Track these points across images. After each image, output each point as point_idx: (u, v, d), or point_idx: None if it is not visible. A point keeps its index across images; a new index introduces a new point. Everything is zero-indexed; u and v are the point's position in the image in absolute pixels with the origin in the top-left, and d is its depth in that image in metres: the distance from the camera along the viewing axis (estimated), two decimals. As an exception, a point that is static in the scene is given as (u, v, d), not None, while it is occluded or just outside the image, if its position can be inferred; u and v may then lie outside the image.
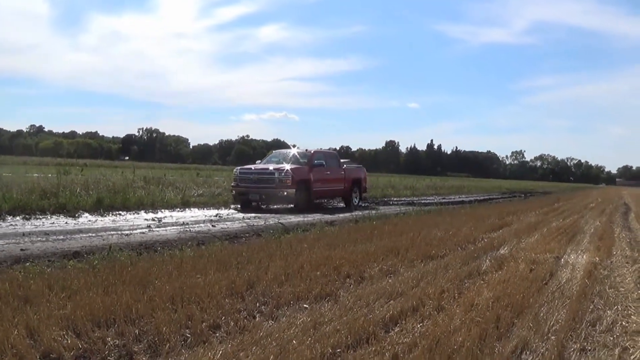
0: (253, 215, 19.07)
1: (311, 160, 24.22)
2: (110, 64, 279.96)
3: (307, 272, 8.18)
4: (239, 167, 24.14)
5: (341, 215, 20.29)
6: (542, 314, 6.46)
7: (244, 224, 15.71)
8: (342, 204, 27.03)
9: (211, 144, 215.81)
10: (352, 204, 26.34)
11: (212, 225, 15.18)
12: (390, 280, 8.10)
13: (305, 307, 6.55)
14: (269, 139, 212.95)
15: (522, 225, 17.18)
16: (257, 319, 6.04)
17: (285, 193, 21.89)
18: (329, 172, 24.99)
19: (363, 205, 27.46)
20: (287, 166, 22.75)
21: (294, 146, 27.33)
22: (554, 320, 6.20)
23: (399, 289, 7.45)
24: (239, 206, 22.61)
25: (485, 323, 5.85)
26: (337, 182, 25.69)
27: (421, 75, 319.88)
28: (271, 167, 22.98)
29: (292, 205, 22.34)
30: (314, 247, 10.53)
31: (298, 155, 24.95)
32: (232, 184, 23.54)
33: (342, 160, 27.34)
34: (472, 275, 8.71)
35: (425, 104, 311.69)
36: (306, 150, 25.72)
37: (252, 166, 23.94)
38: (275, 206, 23.07)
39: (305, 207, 22.33)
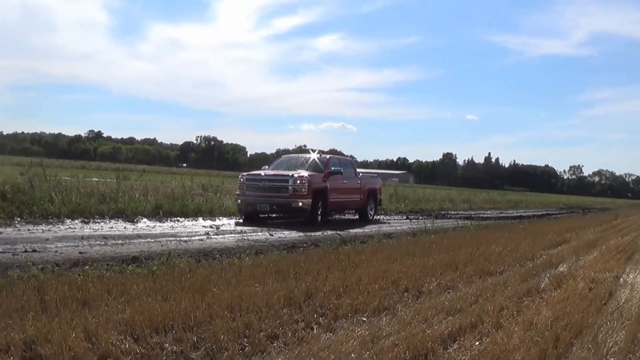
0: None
1: (327, 167, 21.47)
2: (168, 72, 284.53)
3: (365, 284, 8.17)
4: (245, 173, 21.66)
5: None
6: (601, 335, 6.34)
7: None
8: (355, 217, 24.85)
9: (268, 153, 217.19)
10: (367, 217, 23.96)
11: (270, 234, 15.26)
12: (448, 296, 8.08)
13: (363, 320, 6.54)
14: (326, 149, 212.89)
15: (580, 243, 16.94)
16: (315, 330, 6.06)
17: (300, 204, 19.25)
18: (345, 182, 22.40)
19: (377, 218, 25.25)
20: (303, 173, 20.09)
21: (313, 151, 24.23)
22: (612, 341, 6.10)
23: (458, 305, 7.41)
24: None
25: (544, 343, 5.76)
26: (353, 192, 23.16)
27: (479, 86, 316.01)
28: (284, 173, 20.30)
29: (302, 219, 19.93)
30: (372, 259, 10.53)
31: (311, 161, 22.12)
32: (237, 193, 20.69)
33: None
34: (530, 293, 8.62)
35: (482, 115, 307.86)
36: (321, 154, 23.09)
37: (262, 172, 21.11)
38: (278, 219, 21.18)
39: (320, 220, 20.26)
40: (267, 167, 22.58)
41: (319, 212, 20.22)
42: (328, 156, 23.04)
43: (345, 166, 22.88)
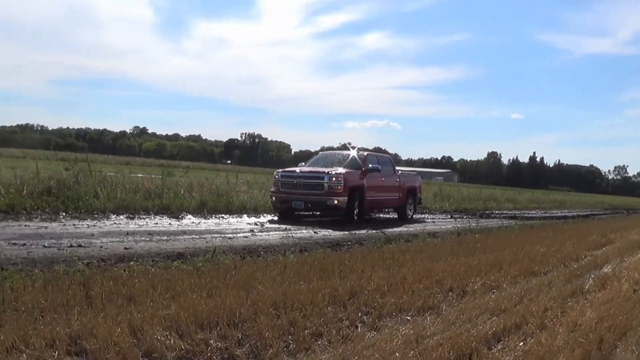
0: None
1: (365, 164, 20.97)
2: (212, 69, 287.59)
3: (410, 283, 8.17)
4: (280, 170, 20.89)
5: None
6: (644, 337, 6.27)
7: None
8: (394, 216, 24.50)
9: (312, 150, 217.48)
10: (406, 216, 23.50)
11: (314, 232, 15.26)
12: (493, 296, 8.06)
13: (408, 320, 6.54)
14: (371, 147, 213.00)
15: (625, 244, 16.80)
16: (359, 329, 6.06)
17: (336, 202, 18.72)
18: (383, 179, 21.77)
19: (417, 217, 24.75)
20: (339, 170, 19.68)
21: (352, 147, 23.73)
22: (656, 344, 6.01)
23: (502, 305, 7.38)
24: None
25: (588, 344, 5.72)
26: (391, 190, 22.60)
27: (525, 85, 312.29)
28: (320, 170, 19.90)
29: (338, 217, 19.51)
30: (417, 258, 10.52)
31: (349, 158, 21.49)
32: (272, 190, 20.39)
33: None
34: (575, 294, 8.57)
35: (528, 114, 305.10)
36: (358, 151, 22.49)
37: (297, 169, 20.70)
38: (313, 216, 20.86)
39: (356, 219, 19.59)
40: (303, 163, 22.32)
41: (356, 211, 19.67)
42: (366, 153, 22.45)
43: (383, 164, 22.22)
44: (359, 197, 19.74)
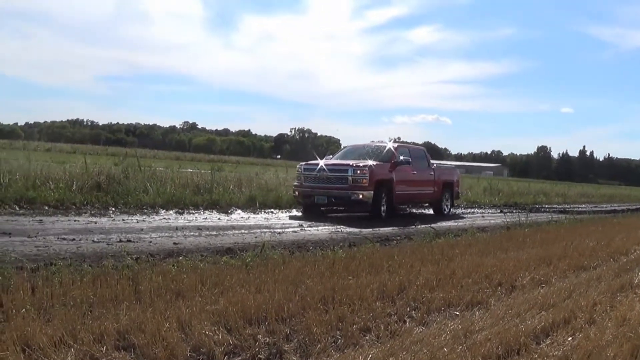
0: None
1: (394, 157, 19.94)
2: (262, 64, 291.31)
3: (459, 278, 8.16)
4: (303, 163, 20.01)
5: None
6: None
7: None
8: (429, 211, 23.82)
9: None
10: (442, 211, 22.67)
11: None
12: (542, 291, 8.01)
13: (456, 315, 6.54)
14: (420, 142, 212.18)
15: (675, 237, 16.40)
16: (408, 324, 6.06)
17: (360, 196, 17.83)
18: (415, 172, 20.86)
19: (454, 212, 23.95)
20: (364, 162, 18.69)
21: (391, 140, 22.87)
22: None
23: (551, 300, 7.33)
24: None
25: (637, 339, 5.63)
26: (425, 184, 21.66)
27: (574, 78, 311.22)
28: (344, 163, 19.19)
29: (367, 213, 18.78)
30: (466, 253, 10.49)
31: (377, 150, 20.62)
32: (295, 184, 19.60)
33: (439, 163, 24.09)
34: (624, 289, 8.47)
35: (578, 108, 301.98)
36: (387, 144, 21.41)
37: (321, 162, 19.38)
38: (342, 212, 20.19)
39: (386, 214, 18.94)
40: (331, 156, 21.64)
41: (384, 207, 18.86)
42: (396, 145, 21.31)
43: (416, 156, 21.37)
44: (387, 192, 18.97)
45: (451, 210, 23.69)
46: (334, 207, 19.85)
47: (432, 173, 22.12)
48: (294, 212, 18.76)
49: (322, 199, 18.28)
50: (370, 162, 18.74)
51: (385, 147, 20.90)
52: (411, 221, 17.87)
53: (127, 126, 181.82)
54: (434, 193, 22.13)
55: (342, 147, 25.97)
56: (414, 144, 27.95)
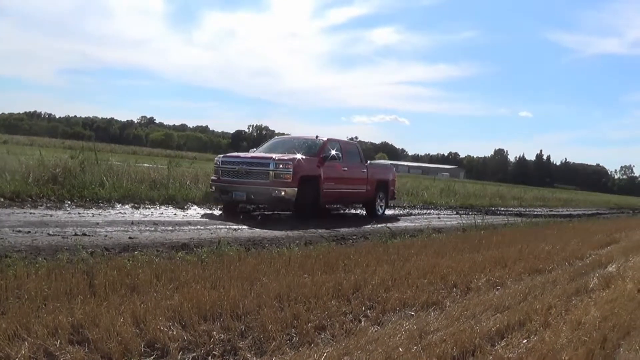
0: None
1: (323, 151, 18.11)
2: (222, 60, 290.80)
3: (414, 279, 8.21)
4: (222, 155, 18.16)
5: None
6: (648, 337, 6.31)
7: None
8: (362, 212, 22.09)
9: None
10: (376, 212, 20.69)
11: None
12: (497, 293, 8.14)
13: (411, 315, 6.59)
14: (378, 142, 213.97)
15: (630, 243, 16.90)
16: (363, 323, 6.11)
17: (283, 193, 15.98)
18: (346, 169, 18.95)
19: (388, 215, 21.78)
20: (288, 156, 16.92)
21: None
22: (659, 343, 6.04)
23: (506, 302, 7.44)
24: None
25: (592, 343, 5.77)
26: (357, 183, 19.71)
27: (532, 83, 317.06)
28: (265, 156, 17.23)
29: (289, 212, 17.59)
30: (421, 254, 10.54)
31: (305, 144, 18.71)
32: (213, 178, 17.55)
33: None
34: (579, 293, 8.63)
35: (536, 112, 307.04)
36: (317, 137, 19.20)
37: (241, 154, 18.20)
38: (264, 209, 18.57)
39: (312, 214, 17.01)
40: (254, 149, 20.06)
41: (310, 204, 17.05)
42: (325, 138, 19.06)
43: (348, 152, 19.70)
44: (313, 189, 17.08)
45: (386, 211, 21.87)
46: (257, 205, 18.30)
47: (365, 170, 20.25)
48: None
49: (241, 195, 16.40)
50: (296, 156, 16.98)
51: (314, 140, 19.07)
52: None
53: (85, 120, 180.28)
54: (367, 192, 20.27)
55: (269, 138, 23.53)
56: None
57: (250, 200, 16.76)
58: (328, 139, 18.97)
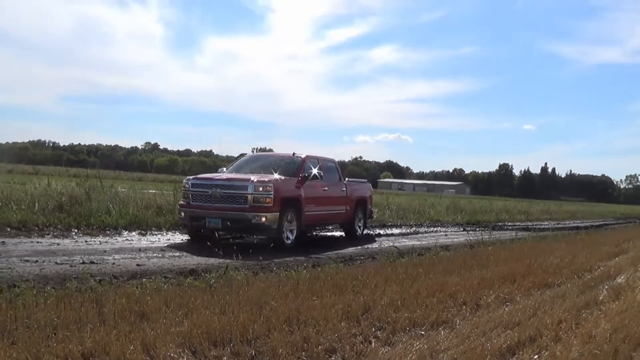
0: None
1: (302, 170, 16.36)
2: (224, 84, 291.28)
3: (423, 298, 8.18)
4: (191, 177, 15.82)
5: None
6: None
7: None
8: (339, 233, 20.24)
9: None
10: (355, 233, 19.06)
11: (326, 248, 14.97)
12: (507, 309, 8.07)
13: (422, 334, 6.54)
14: (382, 161, 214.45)
15: (638, 253, 16.79)
16: (373, 344, 6.05)
17: (263, 219, 14.10)
18: (326, 189, 17.36)
19: (366, 234, 20.22)
20: (269, 177, 15.11)
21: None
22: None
23: (516, 318, 7.39)
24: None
25: (603, 356, 5.75)
26: (337, 202, 18.01)
27: (534, 96, 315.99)
28: (242, 177, 15.18)
29: (270, 240, 15.07)
30: (430, 272, 10.50)
31: (282, 162, 16.92)
32: (181, 202, 15.70)
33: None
34: (589, 305, 8.58)
35: (539, 125, 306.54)
36: (294, 154, 17.46)
37: (214, 175, 16.07)
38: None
39: (294, 241, 15.09)
40: (224, 169, 17.77)
41: (291, 230, 15.18)
42: (303, 155, 17.27)
43: (327, 170, 17.88)
44: (294, 213, 15.32)
45: (364, 231, 20.22)
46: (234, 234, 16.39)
47: (345, 189, 18.58)
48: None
49: (215, 222, 14.46)
50: (275, 177, 15.28)
51: (292, 157, 17.26)
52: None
53: (89, 147, 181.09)
54: (347, 212, 18.58)
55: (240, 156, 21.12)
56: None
57: (226, 228, 14.86)
58: (307, 156, 17.28)
